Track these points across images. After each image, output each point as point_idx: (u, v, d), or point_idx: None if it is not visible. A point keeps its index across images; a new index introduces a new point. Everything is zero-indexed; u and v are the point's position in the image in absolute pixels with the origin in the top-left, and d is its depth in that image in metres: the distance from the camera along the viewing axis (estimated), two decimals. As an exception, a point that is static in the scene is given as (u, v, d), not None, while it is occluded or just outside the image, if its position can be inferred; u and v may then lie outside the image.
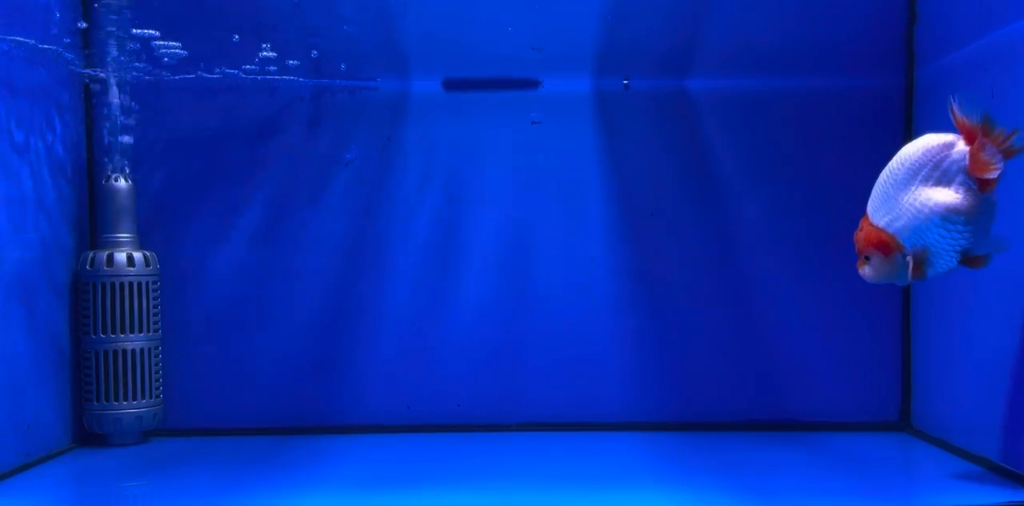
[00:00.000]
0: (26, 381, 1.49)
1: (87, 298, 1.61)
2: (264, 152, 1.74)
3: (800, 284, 1.71)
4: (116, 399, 1.61)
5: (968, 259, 1.24)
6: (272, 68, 1.71)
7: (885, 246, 1.25)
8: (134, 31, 1.64)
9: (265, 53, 1.70)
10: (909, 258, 1.24)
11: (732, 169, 1.73)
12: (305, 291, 1.74)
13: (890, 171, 1.25)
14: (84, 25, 1.65)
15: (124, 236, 1.65)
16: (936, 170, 1.22)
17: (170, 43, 1.65)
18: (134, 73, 1.66)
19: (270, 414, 1.74)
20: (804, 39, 1.71)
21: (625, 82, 1.74)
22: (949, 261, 1.24)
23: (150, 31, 1.63)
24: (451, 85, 1.75)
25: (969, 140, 1.20)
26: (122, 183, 1.65)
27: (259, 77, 1.71)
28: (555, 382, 1.74)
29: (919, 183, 1.22)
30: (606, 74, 1.74)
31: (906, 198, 1.23)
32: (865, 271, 1.29)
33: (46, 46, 1.56)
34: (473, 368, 1.74)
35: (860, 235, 1.28)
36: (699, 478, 1.40)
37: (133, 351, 1.62)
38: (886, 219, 1.25)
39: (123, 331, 1.61)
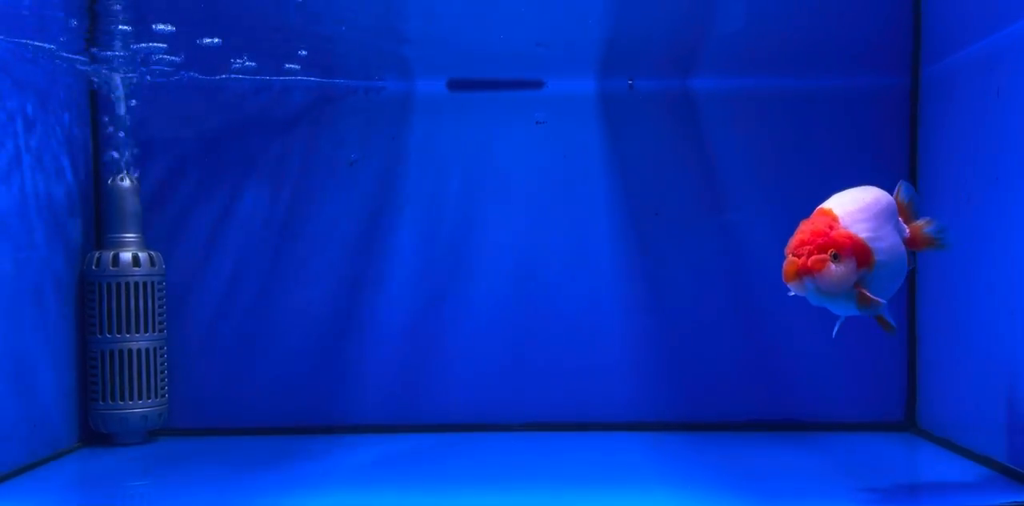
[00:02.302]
0: (32, 381, 1.50)
1: (93, 298, 1.61)
2: (268, 152, 1.74)
3: (805, 284, 1.71)
4: (122, 399, 1.61)
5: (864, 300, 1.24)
6: (277, 68, 1.71)
7: (866, 254, 1.19)
8: (139, 31, 1.64)
9: (270, 53, 1.70)
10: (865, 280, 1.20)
11: (737, 169, 1.72)
12: (310, 291, 1.74)
13: (876, 199, 1.25)
14: (89, 25, 1.65)
15: (129, 236, 1.65)
16: (899, 224, 1.29)
17: (176, 44, 1.65)
18: (140, 73, 1.67)
19: (275, 414, 1.74)
20: (809, 38, 1.70)
21: (630, 82, 1.74)
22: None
23: (156, 30, 1.64)
24: (455, 85, 1.75)
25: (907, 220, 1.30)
26: (127, 183, 1.65)
27: (263, 77, 1.72)
28: (559, 382, 1.74)
29: (895, 225, 1.27)
30: (610, 74, 1.74)
31: (889, 229, 1.24)
32: (831, 270, 1.16)
33: (52, 47, 1.56)
34: (477, 368, 1.74)
35: (834, 233, 1.17)
36: (704, 478, 1.40)
37: (138, 351, 1.62)
38: (867, 235, 1.20)
39: (129, 331, 1.61)
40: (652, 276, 1.74)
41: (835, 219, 1.20)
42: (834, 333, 1.32)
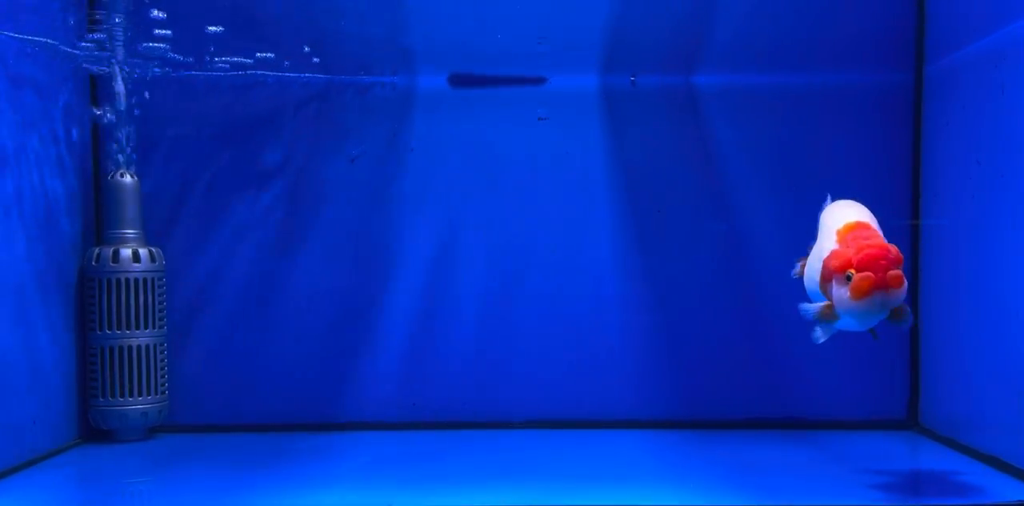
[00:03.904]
0: (32, 377, 1.49)
1: (93, 294, 1.61)
2: (269, 148, 1.73)
3: (808, 281, 1.71)
4: (121, 395, 1.61)
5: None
6: (278, 64, 1.71)
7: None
8: (141, 26, 1.63)
9: (271, 49, 1.70)
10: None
11: (739, 166, 1.72)
12: (311, 287, 1.73)
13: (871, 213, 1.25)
14: (89, 19, 1.65)
15: (130, 232, 1.64)
16: None
17: (177, 39, 1.65)
18: (141, 68, 1.66)
19: (275, 411, 1.73)
20: (812, 35, 1.70)
21: (632, 78, 1.74)
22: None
23: (158, 26, 1.63)
24: (457, 81, 1.75)
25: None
26: (128, 179, 1.65)
27: (264, 73, 1.71)
28: (561, 379, 1.74)
29: None
30: (613, 70, 1.73)
31: None
32: (905, 285, 1.15)
33: (52, 41, 1.55)
34: (479, 365, 1.74)
35: (894, 248, 1.16)
36: (706, 476, 1.40)
37: (139, 347, 1.61)
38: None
39: (129, 327, 1.61)
40: (654, 273, 1.73)
41: (878, 234, 1.19)
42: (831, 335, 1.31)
